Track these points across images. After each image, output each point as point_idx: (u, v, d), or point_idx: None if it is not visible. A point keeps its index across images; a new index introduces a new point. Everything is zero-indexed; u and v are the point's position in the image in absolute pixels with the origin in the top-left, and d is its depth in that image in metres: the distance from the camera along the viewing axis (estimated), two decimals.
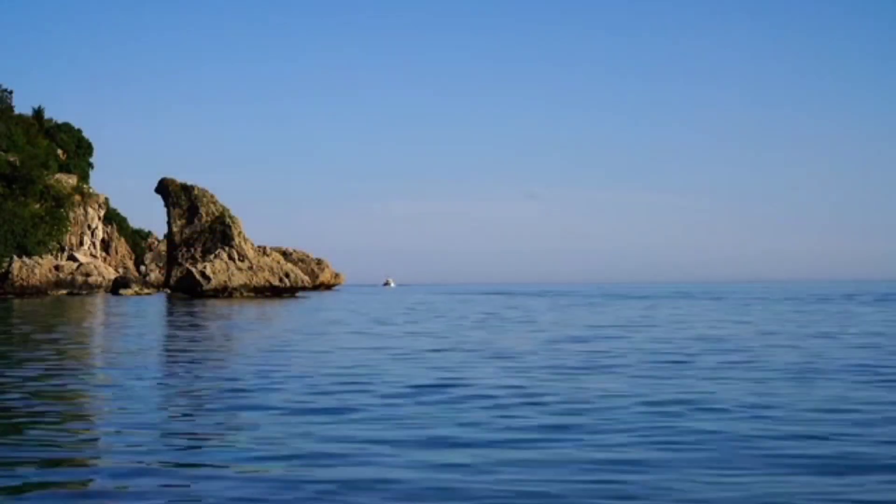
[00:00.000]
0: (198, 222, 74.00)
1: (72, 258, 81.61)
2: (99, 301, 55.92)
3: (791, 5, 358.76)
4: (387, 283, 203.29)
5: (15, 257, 74.82)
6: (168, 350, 17.54)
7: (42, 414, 9.05)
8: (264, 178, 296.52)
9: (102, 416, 9.14)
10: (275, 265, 71.17)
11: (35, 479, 6.23)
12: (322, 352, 16.37)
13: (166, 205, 75.49)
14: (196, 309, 40.02)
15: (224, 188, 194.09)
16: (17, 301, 56.06)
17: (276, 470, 6.43)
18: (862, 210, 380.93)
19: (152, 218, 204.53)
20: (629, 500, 5.67)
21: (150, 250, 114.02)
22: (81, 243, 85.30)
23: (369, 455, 6.89)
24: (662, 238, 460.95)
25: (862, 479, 6.19)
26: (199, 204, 74.59)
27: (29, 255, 76.19)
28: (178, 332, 23.07)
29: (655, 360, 14.57)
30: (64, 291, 75.58)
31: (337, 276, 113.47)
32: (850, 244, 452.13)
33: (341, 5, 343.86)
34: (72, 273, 77.64)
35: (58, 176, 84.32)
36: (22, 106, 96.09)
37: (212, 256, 70.07)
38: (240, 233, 72.99)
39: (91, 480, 6.28)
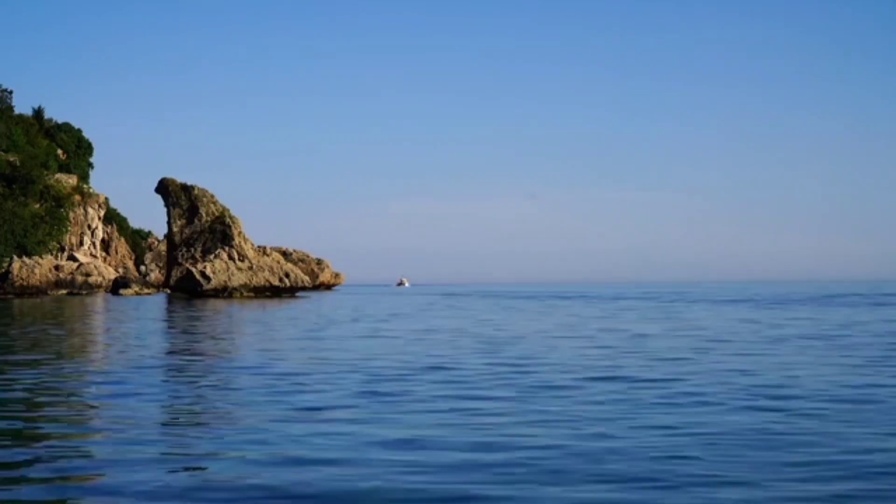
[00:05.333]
0: (198, 222, 73.97)
1: (72, 258, 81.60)
2: (99, 301, 55.90)
3: (791, 5, 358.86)
4: (401, 283, 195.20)
5: (15, 257, 74.82)
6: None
7: (40, 420, 9.03)
8: (264, 178, 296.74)
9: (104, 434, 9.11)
10: (275, 265, 71.16)
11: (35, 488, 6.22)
12: None
13: (166, 205, 75.45)
14: (203, 311, 39.98)
15: (224, 188, 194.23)
16: (16, 301, 56.04)
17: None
18: (863, 210, 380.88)
19: (152, 218, 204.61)
20: None
21: (150, 250, 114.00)
22: (81, 243, 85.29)
23: None
24: (662, 238, 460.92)
25: None
26: (199, 204, 74.55)
27: (29, 255, 76.19)
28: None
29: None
30: (64, 291, 75.56)
31: (337, 276, 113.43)
32: (851, 244, 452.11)
33: (342, 6, 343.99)
34: (72, 273, 77.63)
35: (58, 176, 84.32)
36: (22, 106, 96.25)
37: (212, 256, 70.05)
38: (240, 233, 72.97)
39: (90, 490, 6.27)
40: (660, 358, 15.05)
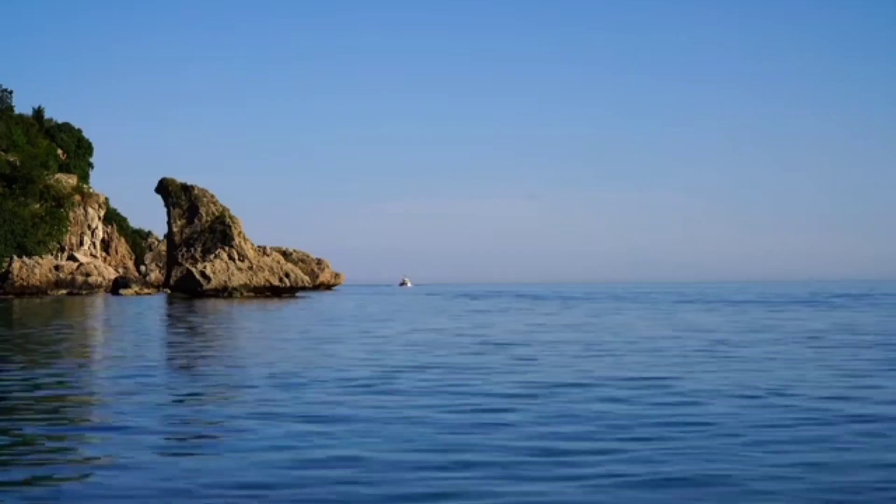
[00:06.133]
0: (198, 222, 73.98)
1: (72, 258, 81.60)
2: (99, 301, 55.91)
3: (791, 5, 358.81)
4: (403, 283, 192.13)
5: (15, 257, 74.81)
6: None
7: (38, 420, 9.05)
8: (264, 178, 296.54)
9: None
10: (275, 265, 71.17)
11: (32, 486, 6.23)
12: None
13: (166, 205, 75.48)
14: (203, 311, 39.98)
15: (224, 188, 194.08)
16: (16, 301, 56.05)
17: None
18: (863, 210, 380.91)
19: (152, 218, 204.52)
20: None
21: (150, 250, 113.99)
22: (81, 243, 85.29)
23: None
24: (662, 238, 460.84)
25: None
26: (199, 204, 74.58)
27: (29, 255, 76.19)
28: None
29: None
30: (64, 291, 75.55)
31: (337, 276, 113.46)
32: (852, 244, 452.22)
33: (341, 6, 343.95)
34: (72, 273, 77.63)
35: (58, 176, 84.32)
36: (22, 106, 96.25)
37: (212, 256, 70.06)
38: (240, 233, 72.99)
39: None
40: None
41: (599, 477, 6.25)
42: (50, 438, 7.73)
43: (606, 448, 7.19)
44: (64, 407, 9.66)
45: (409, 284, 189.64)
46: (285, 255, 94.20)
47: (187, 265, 69.43)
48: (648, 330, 23.62)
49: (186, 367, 13.89)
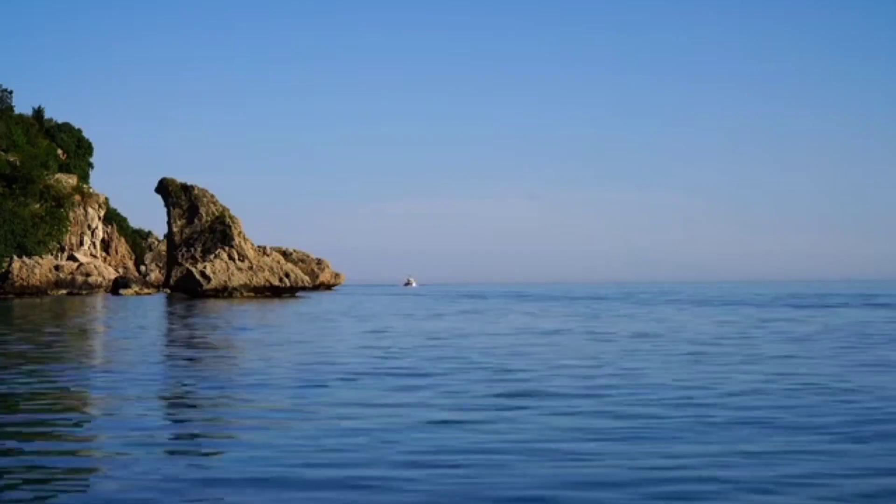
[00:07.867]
0: (198, 222, 73.96)
1: (72, 258, 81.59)
2: (99, 301, 55.91)
3: (791, 5, 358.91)
4: (408, 283, 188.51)
5: (15, 257, 74.79)
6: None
7: (40, 423, 9.05)
8: (264, 178, 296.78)
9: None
10: (275, 265, 71.14)
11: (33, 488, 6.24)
12: None
13: (166, 205, 75.45)
14: (203, 311, 39.96)
15: (224, 188, 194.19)
16: (17, 301, 56.04)
17: None
18: (863, 210, 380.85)
19: (152, 218, 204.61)
20: None
21: (150, 250, 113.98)
22: (81, 243, 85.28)
23: None
24: (662, 238, 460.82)
25: None
26: (199, 204, 74.55)
27: (29, 255, 76.17)
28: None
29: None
30: (64, 291, 75.54)
31: (337, 276, 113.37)
32: (852, 244, 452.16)
33: (341, 6, 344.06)
34: (72, 273, 77.61)
35: (58, 176, 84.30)
36: (22, 106, 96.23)
37: (212, 256, 70.04)
38: (240, 233, 72.97)
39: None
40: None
41: None
42: (51, 438, 7.75)
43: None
44: (64, 407, 9.66)
45: (413, 284, 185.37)
46: (285, 255, 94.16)
47: (187, 265, 69.40)
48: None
49: (182, 367, 13.90)
